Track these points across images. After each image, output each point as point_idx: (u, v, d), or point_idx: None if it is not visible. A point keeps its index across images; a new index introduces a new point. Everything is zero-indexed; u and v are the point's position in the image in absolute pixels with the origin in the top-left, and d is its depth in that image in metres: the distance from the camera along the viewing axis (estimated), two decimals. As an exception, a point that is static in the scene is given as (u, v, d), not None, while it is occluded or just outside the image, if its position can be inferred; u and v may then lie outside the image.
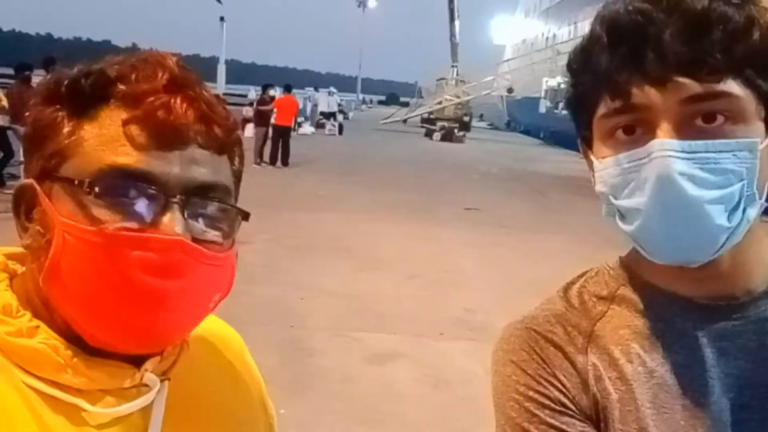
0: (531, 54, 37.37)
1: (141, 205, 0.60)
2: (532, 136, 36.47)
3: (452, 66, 36.53)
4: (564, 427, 0.70)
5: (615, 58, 0.66)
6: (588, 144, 0.73)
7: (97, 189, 0.59)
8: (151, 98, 0.61)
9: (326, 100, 27.04)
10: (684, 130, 0.64)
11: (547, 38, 39.56)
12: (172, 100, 0.61)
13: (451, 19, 38.18)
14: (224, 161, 0.66)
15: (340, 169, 14.43)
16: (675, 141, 0.63)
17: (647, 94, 0.64)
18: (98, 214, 0.59)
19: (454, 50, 37.52)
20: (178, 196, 0.61)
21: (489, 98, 39.95)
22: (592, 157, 0.72)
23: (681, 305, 0.72)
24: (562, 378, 0.72)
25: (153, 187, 0.60)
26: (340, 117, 27.45)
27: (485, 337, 4.97)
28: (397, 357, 4.58)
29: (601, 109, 0.68)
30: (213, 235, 0.64)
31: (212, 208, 0.65)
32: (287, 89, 16.24)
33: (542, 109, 34.60)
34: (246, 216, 0.69)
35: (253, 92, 19.78)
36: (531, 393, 0.72)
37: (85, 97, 0.62)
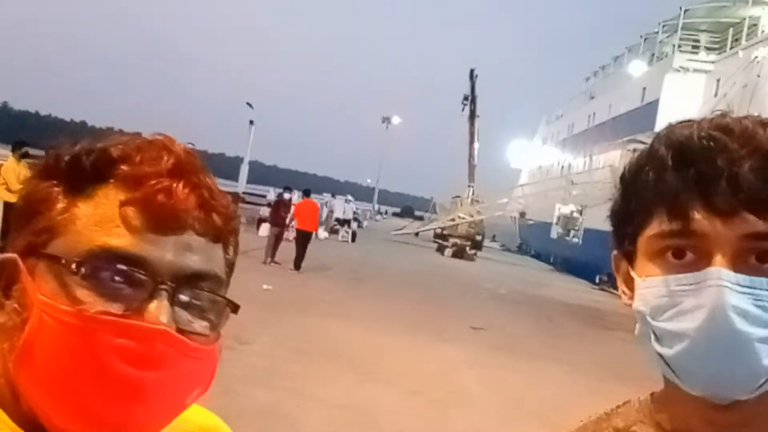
0: (546, 181, 38.20)
1: (128, 290, 0.57)
2: (543, 260, 36.54)
3: (468, 186, 37.31)
4: None
5: (681, 180, 0.64)
6: (628, 259, 0.72)
7: (84, 270, 0.57)
8: (153, 181, 0.59)
9: (342, 207, 27.50)
10: (737, 264, 0.63)
11: (563, 167, 40.55)
12: (175, 185, 0.60)
13: (471, 141, 39.42)
14: (219, 249, 0.64)
15: (350, 276, 14.45)
16: (732, 273, 0.62)
17: (711, 224, 0.63)
18: (81, 296, 0.56)
19: (472, 171, 38.46)
20: (167, 284, 0.58)
21: (502, 219, 40.42)
22: (633, 273, 0.70)
23: None
24: None
25: (143, 272, 0.58)
26: (354, 225, 27.82)
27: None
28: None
29: (653, 228, 0.66)
30: (200, 326, 0.61)
31: (202, 298, 0.62)
32: (306, 194, 16.37)
33: (554, 235, 34.86)
34: (235, 309, 0.65)
35: (272, 193, 20.25)
36: None
37: (85, 175, 0.60)
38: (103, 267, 0.57)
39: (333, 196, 31.88)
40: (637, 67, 30.61)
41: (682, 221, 0.64)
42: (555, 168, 41.96)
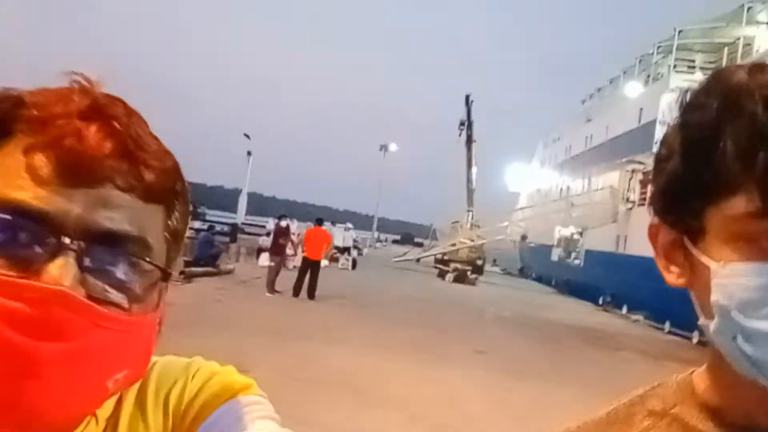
0: (545, 204, 38.23)
1: (29, 250, 0.50)
2: (544, 283, 36.38)
3: (468, 210, 37.37)
4: None
5: None
6: (690, 235, 0.61)
7: None
8: (61, 122, 0.52)
9: (342, 235, 27.45)
10: None
11: (561, 189, 40.60)
12: (86, 128, 0.52)
13: (469, 166, 39.60)
14: (153, 211, 0.56)
15: (351, 303, 14.35)
16: None
17: None
18: None
19: (470, 195, 38.56)
20: (75, 242, 0.50)
21: (502, 243, 40.34)
22: (701, 257, 0.59)
23: None
24: None
25: (46, 228, 0.50)
26: (354, 252, 27.74)
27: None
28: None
29: (739, 205, 0.55)
30: (117, 296, 0.53)
31: (121, 263, 0.53)
32: (318, 222, 16.32)
33: (555, 258, 34.78)
34: (166, 276, 0.57)
35: (271, 223, 20.28)
36: None
37: None
38: (2, 224, 0.50)
39: (333, 224, 31.88)
40: (634, 89, 30.83)
41: None
42: (554, 191, 42.02)
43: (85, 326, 0.49)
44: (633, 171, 24.79)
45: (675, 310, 16.36)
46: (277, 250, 15.15)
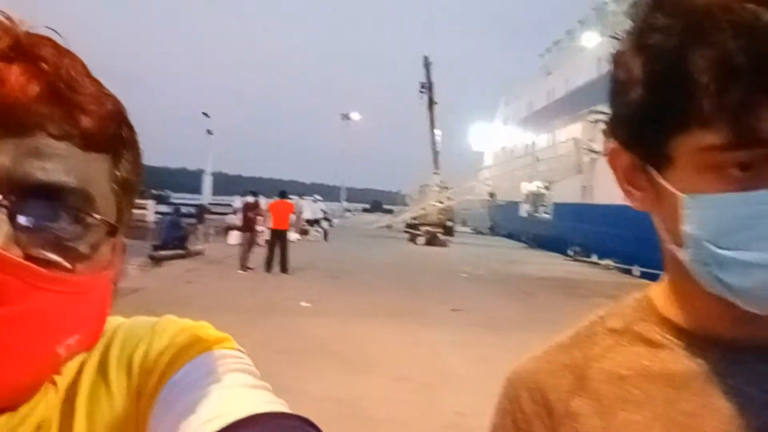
0: (511, 161, 38.51)
1: None
2: (515, 239, 36.86)
3: (434, 173, 37.47)
4: None
5: (754, 78, 0.51)
6: (653, 162, 0.60)
7: None
8: None
9: (311, 208, 27.36)
10: None
11: (526, 145, 40.90)
12: (7, 69, 0.47)
13: (432, 129, 39.56)
14: (95, 161, 0.51)
15: (325, 274, 14.34)
16: None
17: None
18: None
19: (436, 158, 38.59)
20: (5, 197, 0.46)
21: (471, 203, 40.65)
22: (669, 186, 0.58)
23: (723, 349, 0.63)
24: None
25: None
26: (325, 224, 27.69)
27: (479, 440, 4.76)
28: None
29: (709, 138, 0.54)
30: (58, 255, 0.48)
31: (60, 218, 0.48)
32: (282, 195, 15.98)
33: (523, 213, 35.21)
34: (113, 231, 0.52)
35: (237, 201, 20.05)
36: None
37: None
38: None
39: (300, 197, 31.72)
40: (591, 39, 30.99)
41: (753, 130, 0.52)
42: (518, 147, 42.33)
43: (24, 289, 0.45)
44: (596, 121, 25.06)
45: (643, 255, 16.74)
46: (247, 227, 15.01)
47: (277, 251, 14.30)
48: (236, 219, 17.49)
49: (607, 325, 0.71)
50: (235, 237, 16.62)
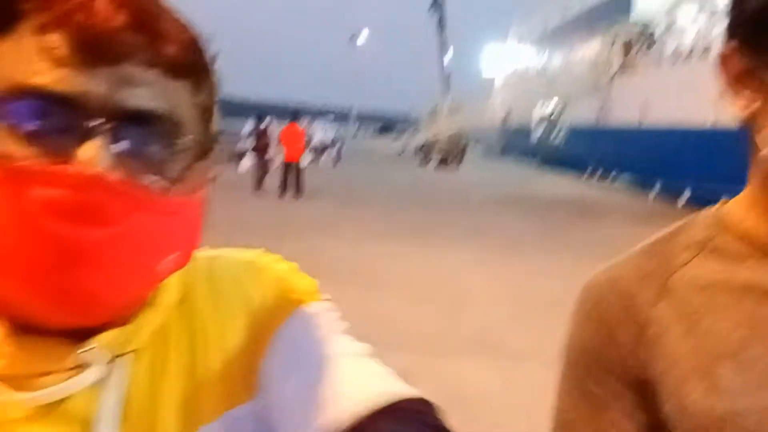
0: (525, 81, 37.72)
1: (56, 136, 0.48)
2: (527, 163, 36.59)
3: (446, 95, 36.83)
4: (606, 394, 0.67)
5: None
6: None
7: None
8: None
9: (322, 131, 27.11)
10: None
11: (541, 66, 39.94)
12: (95, 0, 0.48)
13: (442, 50, 38.59)
14: (179, 88, 0.53)
15: (339, 198, 14.35)
16: None
17: None
18: (1, 147, 0.47)
19: (447, 80, 37.85)
20: (103, 123, 0.48)
21: (482, 126, 40.15)
22: None
23: None
24: (620, 338, 0.67)
25: (71, 112, 0.47)
26: (336, 147, 27.52)
27: (501, 354, 4.84)
28: (415, 375, 4.42)
29: None
30: (155, 178, 0.51)
31: (152, 143, 0.51)
32: (293, 117, 15.15)
33: (536, 136, 34.77)
34: (202, 153, 0.55)
35: (249, 125, 19.73)
36: (585, 357, 0.69)
37: (6, 9, 0.49)
38: (23, 110, 0.47)
39: (312, 120, 31.40)
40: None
41: None
42: (531, 69, 41.33)
43: (126, 210, 0.48)
44: (615, 37, 24.31)
45: (662, 174, 16.56)
46: (261, 147, 14.84)
47: (291, 178, 14.26)
48: (247, 143, 17.34)
49: (684, 238, 0.70)
50: (247, 162, 16.51)
